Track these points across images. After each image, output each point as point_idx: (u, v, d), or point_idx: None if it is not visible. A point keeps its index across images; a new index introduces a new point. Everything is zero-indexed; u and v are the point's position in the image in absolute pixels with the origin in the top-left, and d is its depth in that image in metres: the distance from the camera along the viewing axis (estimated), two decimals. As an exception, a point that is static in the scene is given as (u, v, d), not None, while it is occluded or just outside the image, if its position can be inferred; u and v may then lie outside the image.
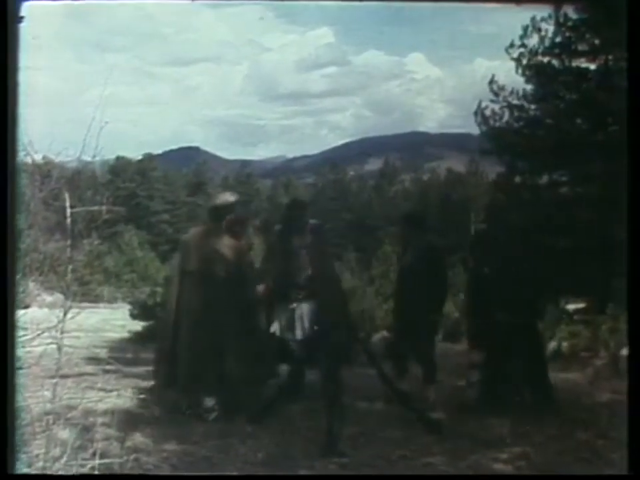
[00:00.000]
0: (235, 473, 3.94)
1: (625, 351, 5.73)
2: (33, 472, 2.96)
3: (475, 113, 11.99)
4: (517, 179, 12.19)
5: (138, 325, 9.90)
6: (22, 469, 2.79)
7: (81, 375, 5.55)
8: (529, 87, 11.79)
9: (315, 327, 5.04)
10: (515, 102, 11.83)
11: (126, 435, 4.16)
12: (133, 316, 10.45)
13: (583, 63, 11.33)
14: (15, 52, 2.29)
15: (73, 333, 3.46)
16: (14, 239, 2.35)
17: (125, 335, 9.84)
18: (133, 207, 39.14)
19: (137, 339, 9.28)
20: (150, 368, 5.90)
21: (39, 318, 3.38)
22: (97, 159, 3.48)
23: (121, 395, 5.14)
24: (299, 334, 5.20)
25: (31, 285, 4.08)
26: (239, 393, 4.99)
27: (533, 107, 11.86)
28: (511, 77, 11.76)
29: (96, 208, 3.40)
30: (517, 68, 11.55)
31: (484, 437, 4.57)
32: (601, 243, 10.07)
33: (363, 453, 4.29)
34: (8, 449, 2.31)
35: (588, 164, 10.84)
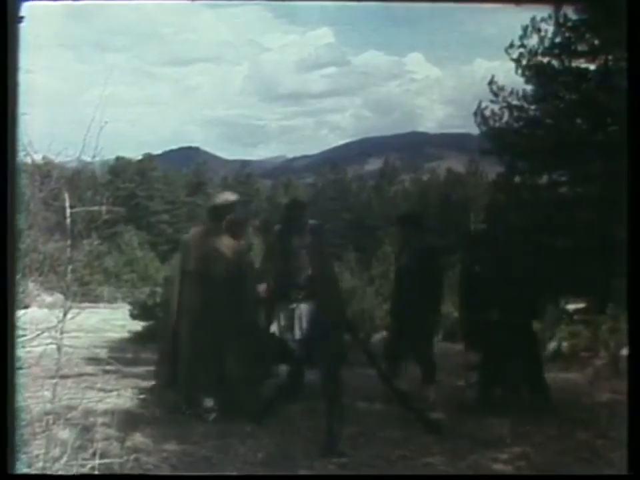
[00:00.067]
0: (234, 473, 3.94)
1: (625, 351, 5.73)
2: (33, 472, 2.96)
3: (475, 113, 12.00)
4: (517, 179, 12.19)
5: (138, 325, 9.91)
6: (22, 469, 2.79)
7: (80, 375, 5.56)
8: (528, 87, 11.80)
9: (314, 327, 5.05)
10: (515, 102, 11.84)
11: (126, 435, 4.17)
12: (133, 316, 10.46)
13: (582, 63, 11.34)
14: (14, 52, 2.29)
15: (73, 333, 3.46)
16: (14, 239, 2.35)
17: (125, 335, 9.85)
18: (132, 207, 39.16)
19: (137, 339, 9.29)
20: (150, 368, 5.91)
21: (38, 318, 3.38)
22: (97, 159, 3.48)
23: (120, 395, 5.14)
24: (297, 334, 5.21)
25: (31, 285, 4.08)
26: (238, 393, 4.99)
27: (532, 107, 11.87)
28: (511, 78, 11.78)
29: (96, 208, 3.40)
30: (516, 68, 11.56)
31: (483, 437, 4.57)
32: (601, 243, 10.08)
33: (362, 452, 4.29)
34: (8, 449, 2.31)
35: (588, 164, 10.85)
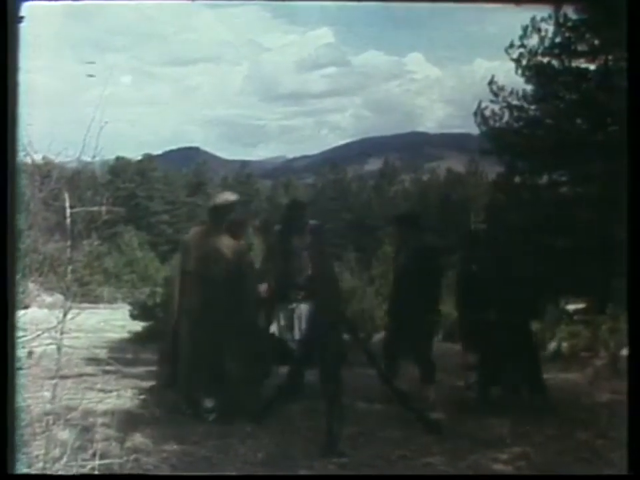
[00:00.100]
0: (234, 473, 3.94)
1: (625, 351, 5.73)
2: (33, 472, 2.96)
3: (475, 113, 12.00)
4: (517, 179, 12.19)
5: (138, 326, 9.90)
6: (22, 469, 2.79)
7: (80, 375, 5.57)
8: (528, 88, 11.80)
9: (314, 328, 5.05)
10: (515, 102, 11.83)
11: (126, 436, 4.17)
12: (133, 316, 10.45)
13: (582, 63, 11.33)
14: (15, 52, 2.29)
15: (73, 333, 3.47)
16: (14, 239, 2.35)
17: (125, 335, 9.84)
18: (132, 207, 39.15)
19: (137, 340, 9.28)
20: (150, 368, 5.92)
21: (38, 318, 3.38)
22: (97, 159, 3.48)
23: (120, 395, 5.15)
24: (297, 334, 5.21)
25: (31, 285, 4.08)
26: (238, 393, 4.99)
27: (532, 107, 11.86)
28: (511, 78, 11.77)
29: (96, 208, 3.40)
30: (516, 68, 11.55)
31: (483, 437, 4.57)
32: (601, 243, 10.07)
33: (362, 452, 4.29)
34: (8, 449, 2.31)
35: (588, 164, 10.85)
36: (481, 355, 5.52)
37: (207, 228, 5.31)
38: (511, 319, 5.38)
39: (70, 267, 3.21)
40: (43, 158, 3.72)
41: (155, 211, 43.66)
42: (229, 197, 5.43)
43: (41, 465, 3.02)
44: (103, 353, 6.89)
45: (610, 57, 10.79)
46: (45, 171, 3.60)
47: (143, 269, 25.92)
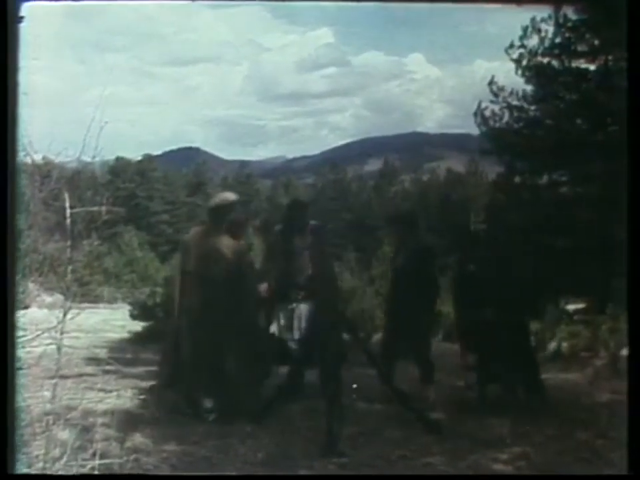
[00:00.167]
0: (234, 473, 3.94)
1: (625, 351, 5.73)
2: (33, 472, 2.96)
3: (475, 114, 11.99)
4: (517, 179, 12.19)
5: (138, 326, 9.89)
6: (22, 469, 2.79)
7: (80, 375, 5.57)
8: (528, 88, 11.79)
9: (314, 327, 5.05)
10: (515, 102, 11.83)
11: (126, 436, 4.17)
12: (133, 316, 10.43)
13: (582, 64, 11.33)
14: (14, 52, 2.29)
15: (73, 333, 3.47)
16: (14, 239, 2.35)
17: (125, 335, 9.83)
18: (132, 207, 39.11)
19: (137, 340, 9.27)
20: (150, 368, 5.91)
21: (38, 318, 3.39)
22: (97, 159, 3.49)
23: (120, 395, 5.15)
24: (297, 334, 5.21)
25: (31, 285, 4.08)
26: (238, 393, 4.99)
27: (532, 107, 11.86)
28: (511, 78, 11.76)
29: (96, 208, 3.41)
30: (516, 69, 11.54)
31: (484, 437, 4.57)
32: (601, 243, 10.07)
33: (362, 453, 4.30)
34: (8, 449, 2.31)
35: (588, 164, 10.85)
36: (479, 354, 5.52)
37: (207, 228, 5.31)
38: (510, 318, 5.38)
39: (70, 267, 3.21)
40: (43, 158, 3.73)
41: (155, 210, 43.62)
42: (229, 196, 5.43)
43: (40, 464, 3.02)
44: (103, 353, 6.89)
45: (610, 57, 10.79)
46: (45, 170, 3.60)
47: (143, 268, 25.90)
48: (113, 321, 11.87)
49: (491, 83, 11.90)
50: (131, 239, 28.67)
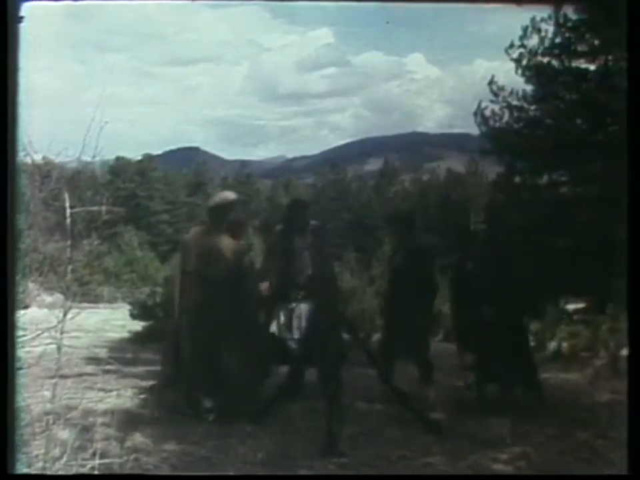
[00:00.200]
0: (234, 473, 3.94)
1: (625, 351, 5.73)
2: (33, 472, 2.96)
3: (475, 114, 12.00)
4: (517, 179, 12.20)
5: (138, 325, 9.90)
6: (22, 469, 2.79)
7: (80, 375, 5.57)
8: (528, 88, 11.81)
9: (314, 327, 5.05)
10: (515, 102, 11.84)
11: (126, 435, 4.17)
12: (133, 316, 10.44)
13: (582, 64, 11.35)
14: (15, 52, 2.29)
15: (73, 333, 3.47)
16: (14, 239, 2.35)
17: (125, 335, 9.83)
18: (132, 207, 39.13)
19: (137, 339, 9.27)
20: (150, 368, 5.92)
21: (38, 318, 3.38)
22: (97, 159, 3.48)
23: (120, 395, 5.15)
24: (297, 334, 5.21)
25: (31, 285, 4.08)
26: (238, 392, 4.99)
27: (532, 107, 11.88)
28: (511, 78, 11.78)
29: (96, 208, 3.41)
30: (516, 68, 11.57)
31: (484, 437, 4.57)
32: (601, 243, 10.08)
33: (362, 452, 4.29)
34: (8, 449, 2.31)
35: (588, 164, 10.86)
36: (478, 354, 5.52)
37: (207, 228, 5.31)
38: (510, 318, 5.38)
39: (70, 267, 3.21)
40: (43, 158, 3.73)
41: (155, 210, 43.64)
42: (229, 195, 5.43)
43: (40, 464, 3.02)
44: (103, 353, 6.90)
45: (610, 57, 10.80)
46: (45, 170, 3.60)
47: (143, 268, 25.91)
48: (113, 320, 11.87)
49: (491, 82, 11.92)
50: (131, 238, 28.68)
